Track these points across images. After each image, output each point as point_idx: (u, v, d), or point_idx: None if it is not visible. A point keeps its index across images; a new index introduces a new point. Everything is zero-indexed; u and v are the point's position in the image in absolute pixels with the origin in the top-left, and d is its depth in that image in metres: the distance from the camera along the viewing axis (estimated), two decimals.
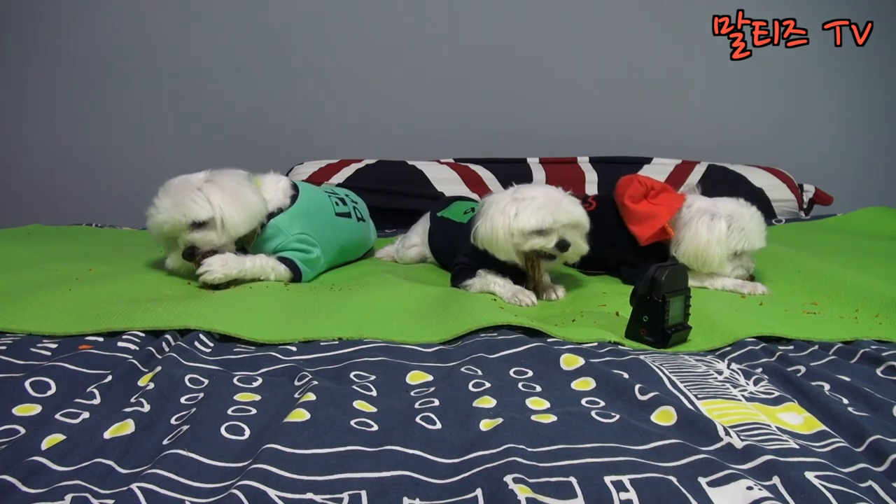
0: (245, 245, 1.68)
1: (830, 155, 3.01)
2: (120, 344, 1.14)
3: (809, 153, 2.97)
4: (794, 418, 0.91)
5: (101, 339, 1.17)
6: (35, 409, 0.91)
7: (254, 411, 0.90)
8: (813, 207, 2.69)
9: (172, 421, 0.88)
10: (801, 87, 2.98)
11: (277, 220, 1.68)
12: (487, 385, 0.99)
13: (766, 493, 0.68)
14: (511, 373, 1.05)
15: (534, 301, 1.50)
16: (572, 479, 0.73)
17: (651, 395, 0.93)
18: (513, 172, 2.52)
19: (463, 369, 1.05)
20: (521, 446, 0.79)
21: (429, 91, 2.97)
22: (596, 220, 1.71)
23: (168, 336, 1.17)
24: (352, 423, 0.86)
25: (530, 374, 1.05)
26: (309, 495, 0.71)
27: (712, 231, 1.61)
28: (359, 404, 0.92)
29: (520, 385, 1.01)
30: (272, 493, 0.70)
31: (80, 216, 2.73)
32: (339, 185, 2.52)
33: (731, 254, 1.64)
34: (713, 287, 1.63)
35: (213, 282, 1.51)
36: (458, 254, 1.68)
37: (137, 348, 1.13)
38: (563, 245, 1.52)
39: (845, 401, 0.96)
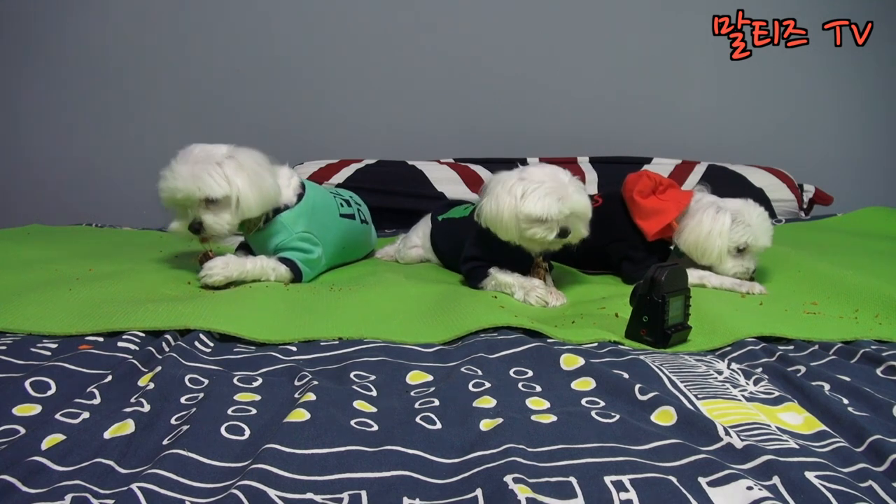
0: (247, 231, 1.67)
1: (830, 155, 3.01)
2: (120, 344, 1.14)
3: (809, 153, 2.97)
4: (794, 418, 0.91)
5: (101, 339, 1.17)
6: (35, 409, 0.91)
7: (254, 411, 0.90)
8: (813, 207, 2.70)
9: (172, 421, 0.88)
10: (801, 88, 2.99)
11: (283, 217, 1.68)
12: (487, 385, 0.99)
13: (766, 493, 0.68)
14: (511, 373, 1.05)
15: (546, 300, 1.49)
16: (572, 479, 0.73)
17: (651, 395, 0.93)
18: None
19: (463, 369, 1.05)
20: (521, 446, 0.79)
21: (429, 91, 2.97)
22: (603, 214, 1.72)
23: (168, 336, 1.17)
24: (352, 423, 0.86)
25: (530, 374, 1.05)
26: (309, 495, 0.71)
27: (715, 222, 1.63)
28: (359, 404, 0.92)
29: (520, 385, 1.01)
30: (272, 493, 0.70)
31: (80, 216, 2.73)
32: (338, 185, 2.52)
33: (733, 248, 1.64)
34: (711, 284, 1.63)
35: (214, 284, 1.52)
36: (465, 246, 1.67)
37: (137, 348, 1.13)
38: (563, 233, 1.52)
39: (845, 401, 0.96)
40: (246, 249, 1.72)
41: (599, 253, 1.77)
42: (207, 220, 1.55)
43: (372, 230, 2.09)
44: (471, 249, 1.65)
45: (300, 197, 1.73)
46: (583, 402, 0.94)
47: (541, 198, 1.48)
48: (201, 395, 0.94)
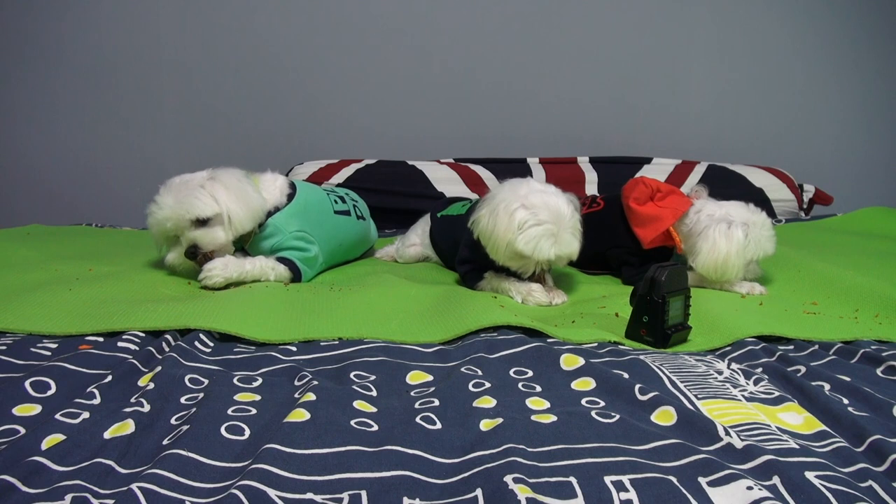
0: (243, 244, 1.68)
1: (830, 155, 3.01)
2: (120, 344, 1.14)
3: (809, 153, 2.98)
4: (794, 418, 0.91)
5: (101, 339, 1.17)
6: (35, 409, 0.91)
7: (254, 411, 0.90)
8: (813, 207, 2.70)
9: (172, 421, 0.88)
10: (800, 88, 2.99)
11: (275, 219, 1.68)
12: (487, 385, 0.99)
13: (766, 493, 0.68)
14: (511, 373, 1.05)
15: (546, 300, 1.50)
16: (572, 479, 0.73)
17: (651, 395, 0.93)
18: (513, 172, 2.47)
19: (463, 369, 1.05)
20: (521, 446, 0.79)
21: (429, 91, 2.97)
22: (603, 220, 1.70)
23: (168, 336, 1.17)
24: (352, 423, 0.86)
25: (530, 374, 1.05)
26: (309, 495, 0.71)
27: (731, 241, 1.56)
28: (359, 404, 0.92)
29: (520, 385, 1.01)
30: (272, 493, 0.70)
31: (80, 216, 2.74)
32: (338, 185, 2.52)
33: (745, 264, 1.60)
34: (711, 286, 1.63)
35: (215, 286, 1.52)
36: (460, 246, 1.67)
37: (137, 348, 1.13)
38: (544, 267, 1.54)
39: (845, 401, 0.96)
40: (243, 250, 1.72)
41: (599, 257, 1.76)
42: (198, 236, 1.57)
43: (371, 226, 2.09)
44: (465, 251, 1.64)
45: (290, 197, 1.73)
46: (583, 402, 0.94)
47: (536, 238, 1.45)
48: (201, 395, 0.94)
